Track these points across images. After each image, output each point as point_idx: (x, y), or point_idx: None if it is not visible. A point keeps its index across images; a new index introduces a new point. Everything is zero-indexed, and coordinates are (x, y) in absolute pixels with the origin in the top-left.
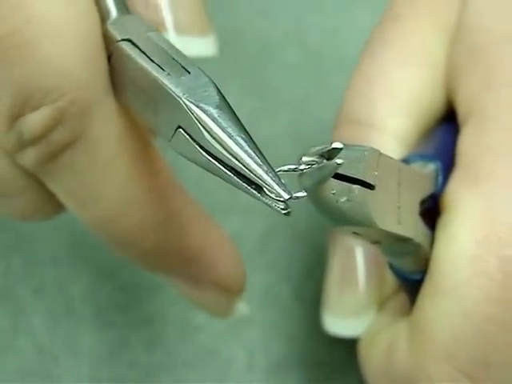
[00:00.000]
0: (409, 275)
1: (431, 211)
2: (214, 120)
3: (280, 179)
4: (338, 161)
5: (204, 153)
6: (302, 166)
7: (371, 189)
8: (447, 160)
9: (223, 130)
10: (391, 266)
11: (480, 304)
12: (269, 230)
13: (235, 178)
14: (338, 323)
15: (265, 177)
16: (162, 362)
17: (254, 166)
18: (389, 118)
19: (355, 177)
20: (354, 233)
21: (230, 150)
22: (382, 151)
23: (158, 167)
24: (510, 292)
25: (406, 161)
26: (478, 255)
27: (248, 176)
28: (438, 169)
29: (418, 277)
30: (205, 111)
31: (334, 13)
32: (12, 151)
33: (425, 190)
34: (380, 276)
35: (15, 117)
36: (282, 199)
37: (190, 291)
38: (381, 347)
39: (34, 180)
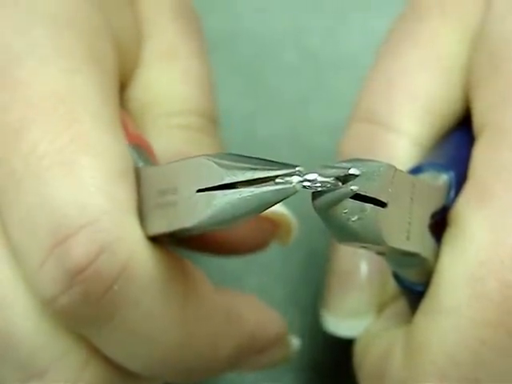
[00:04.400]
0: (412, 286)
1: (439, 222)
2: (224, 157)
3: (291, 164)
4: (354, 187)
5: (223, 191)
6: (318, 184)
7: (383, 207)
8: (461, 169)
9: (234, 160)
10: (395, 275)
11: (477, 326)
12: None
13: (250, 188)
14: (338, 323)
15: (275, 166)
16: None
17: (263, 163)
18: (407, 121)
19: (368, 195)
20: (362, 247)
21: (241, 167)
22: (397, 154)
23: (197, 277)
24: (507, 317)
25: (419, 168)
26: (479, 276)
27: (259, 175)
28: (451, 180)
29: (420, 288)
30: (219, 156)
31: (333, 14)
32: (52, 293)
33: (436, 204)
34: (382, 278)
35: (54, 244)
36: (293, 182)
37: (253, 366)
38: (376, 352)
39: (74, 339)
